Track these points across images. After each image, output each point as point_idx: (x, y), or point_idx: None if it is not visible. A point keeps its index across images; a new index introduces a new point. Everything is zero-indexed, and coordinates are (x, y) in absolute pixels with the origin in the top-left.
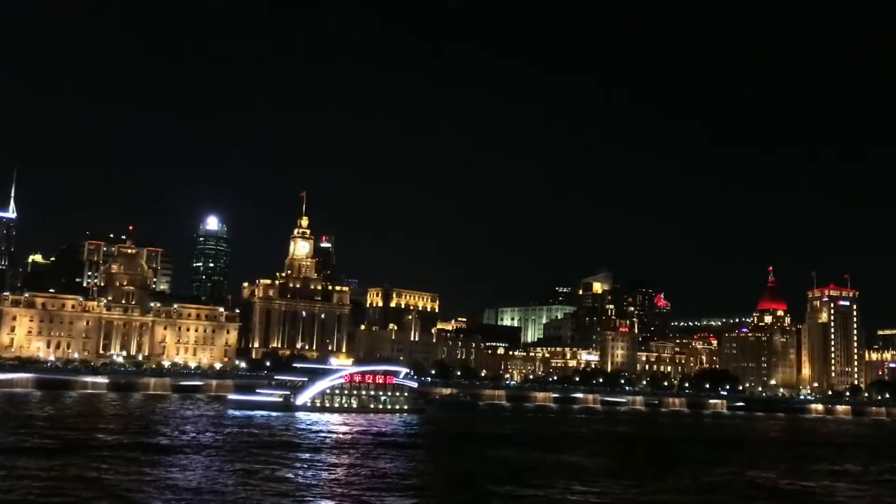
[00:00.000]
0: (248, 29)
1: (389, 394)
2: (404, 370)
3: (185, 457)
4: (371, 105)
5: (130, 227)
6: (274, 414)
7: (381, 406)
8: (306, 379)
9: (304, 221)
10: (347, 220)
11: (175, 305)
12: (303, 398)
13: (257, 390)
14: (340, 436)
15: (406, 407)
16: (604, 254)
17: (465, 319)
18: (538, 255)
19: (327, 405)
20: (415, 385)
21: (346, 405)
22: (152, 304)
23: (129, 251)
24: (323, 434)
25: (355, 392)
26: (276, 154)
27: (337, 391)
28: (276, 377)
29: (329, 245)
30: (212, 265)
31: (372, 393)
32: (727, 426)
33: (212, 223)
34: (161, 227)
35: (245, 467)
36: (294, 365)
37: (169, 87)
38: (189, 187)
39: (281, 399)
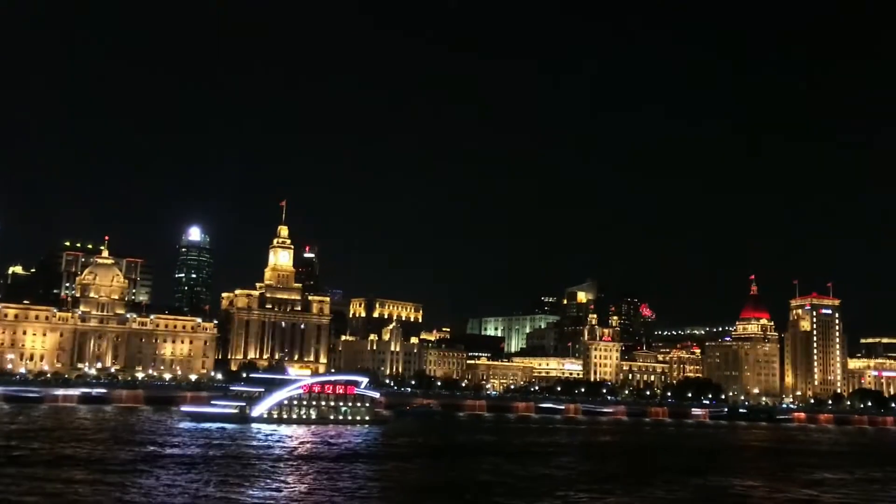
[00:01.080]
0: (234, 37)
1: (350, 405)
2: (365, 380)
3: (122, 472)
4: (358, 115)
5: (106, 238)
6: (228, 426)
7: (341, 417)
8: (262, 390)
9: (284, 231)
10: (333, 230)
11: (151, 317)
12: (259, 409)
13: (212, 402)
14: (295, 448)
15: (367, 418)
16: (591, 264)
17: (448, 329)
18: (526, 265)
19: (285, 417)
20: (377, 395)
21: (304, 416)
22: (128, 316)
23: (105, 261)
24: (276, 446)
25: (314, 403)
26: (262, 164)
27: (295, 402)
28: (231, 388)
29: (313, 255)
30: (194, 276)
31: (332, 404)
32: (705, 435)
33: (194, 234)
34: (145, 238)
35: (186, 483)
36: (251, 375)
37: (154, 97)
38: (173, 198)
39: (236, 410)
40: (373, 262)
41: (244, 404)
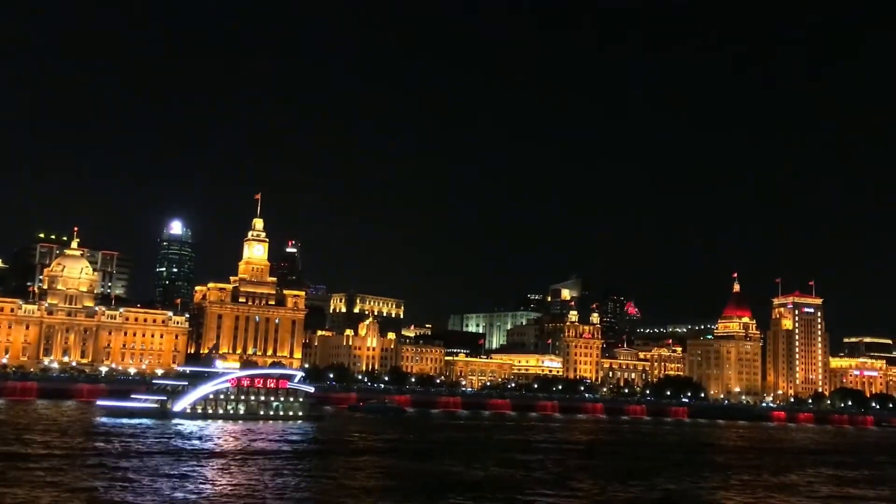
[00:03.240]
0: (217, 29)
1: (282, 399)
2: (299, 374)
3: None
4: (342, 110)
5: (76, 229)
6: (147, 422)
7: (272, 413)
8: (186, 383)
9: (259, 224)
10: (319, 226)
11: (121, 310)
12: (181, 404)
13: (132, 395)
14: (216, 445)
15: (301, 414)
16: (579, 262)
17: (430, 326)
18: (514, 263)
19: (210, 412)
20: (311, 389)
21: (231, 412)
22: (97, 309)
23: (73, 253)
24: (195, 443)
25: (243, 397)
26: (246, 159)
27: (222, 397)
28: (153, 381)
29: (295, 250)
30: (175, 270)
31: (262, 398)
32: (680, 434)
33: (176, 228)
34: (128, 231)
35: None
36: (176, 368)
37: (135, 90)
38: (156, 192)
39: (156, 405)
40: (359, 259)
41: (165, 399)
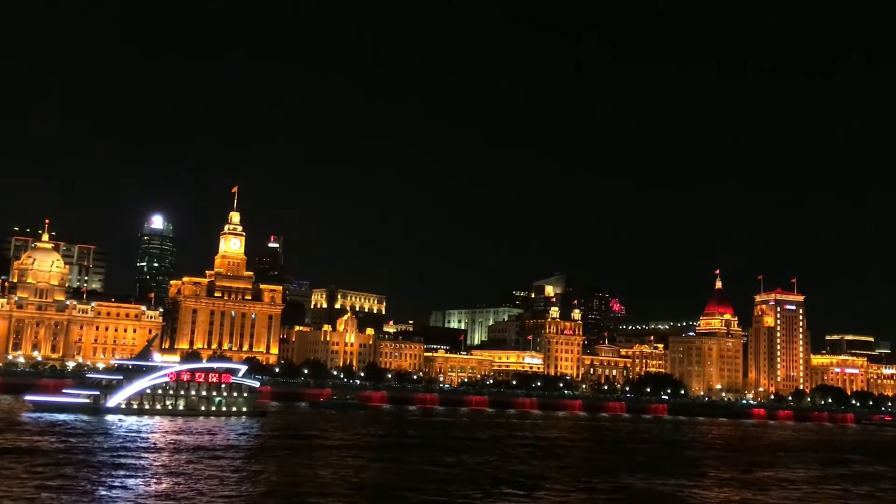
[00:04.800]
0: (199, 25)
1: (225, 394)
2: (243, 368)
3: None
4: (326, 106)
5: (47, 221)
6: (79, 417)
7: (213, 408)
8: (121, 378)
9: (236, 217)
10: (301, 221)
11: (93, 304)
12: (116, 399)
13: (64, 390)
14: (151, 441)
15: (245, 409)
16: (565, 259)
17: (412, 322)
18: (500, 261)
19: (147, 407)
20: (256, 384)
21: (170, 407)
22: (68, 302)
23: (44, 246)
24: (127, 439)
25: (183, 392)
26: (229, 154)
27: (160, 391)
28: (87, 375)
29: (277, 245)
30: (156, 265)
31: (203, 393)
32: (658, 431)
33: (157, 222)
34: (109, 225)
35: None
36: (111, 362)
37: (118, 83)
38: (138, 186)
39: (89, 400)
40: (343, 255)
41: (98, 393)
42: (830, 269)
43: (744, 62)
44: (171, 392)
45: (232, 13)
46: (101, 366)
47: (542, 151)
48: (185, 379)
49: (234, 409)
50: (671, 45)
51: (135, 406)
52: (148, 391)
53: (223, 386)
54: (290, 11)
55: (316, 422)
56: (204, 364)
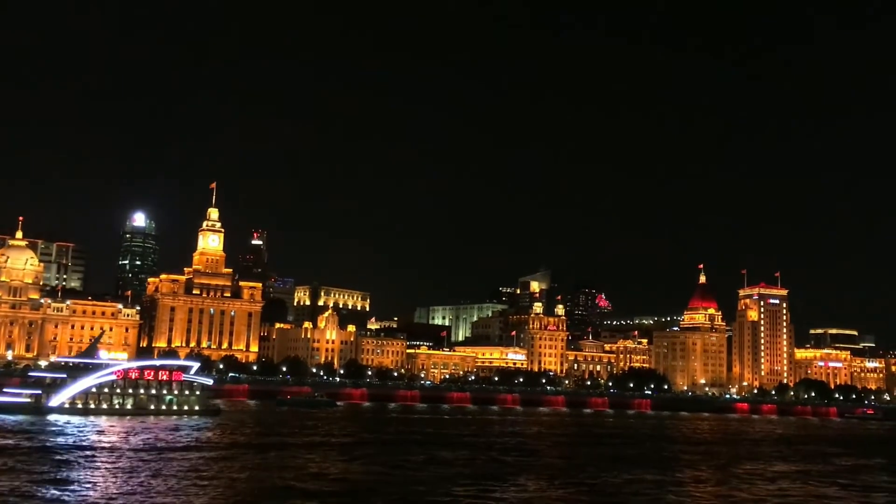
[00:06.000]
0: (183, 21)
1: (176, 392)
2: (195, 365)
3: None
4: (311, 105)
5: (20, 219)
6: (19, 418)
7: (164, 407)
8: (65, 376)
9: (214, 213)
10: (287, 218)
11: (68, 302)
12: (59, 398)
13: (4, 389)
14: (94, 441)
15: (197, 408)
16: (550, 255)
17: (397, 319)
18: (486, 257)
19: (92, 406)
20: (209, 382)
21: (118, 406)
22: (43, 301)
23: (18, 244)
24: (70, 440)
25: (131, 391)
26: (213, 150)
27: (106, 390)
28: (29, 373)
29: (261, 242)
30: (139, 263)
31: (153, 392)
32: (639, 426)
33: (139, 220)
34: (92, 223)
35: None
36: (53, 360)
37: (101, 82)
38: (121, 184)
39: (30, 400)
40: (329, 252)
41: (40, 392)
42: (814, 263)
43: (727, 48)
44: (118, 391)
45: (211, 6)
46: (43, 363)
47: (532, 146)
48: (133, 377)
49: (186, 407)
50: (660, 32)
51: (80, 405)
52: (94, 390)
53: (174, 384)
54: (276, 5)
55: (272, 420)
56: (153, 361)
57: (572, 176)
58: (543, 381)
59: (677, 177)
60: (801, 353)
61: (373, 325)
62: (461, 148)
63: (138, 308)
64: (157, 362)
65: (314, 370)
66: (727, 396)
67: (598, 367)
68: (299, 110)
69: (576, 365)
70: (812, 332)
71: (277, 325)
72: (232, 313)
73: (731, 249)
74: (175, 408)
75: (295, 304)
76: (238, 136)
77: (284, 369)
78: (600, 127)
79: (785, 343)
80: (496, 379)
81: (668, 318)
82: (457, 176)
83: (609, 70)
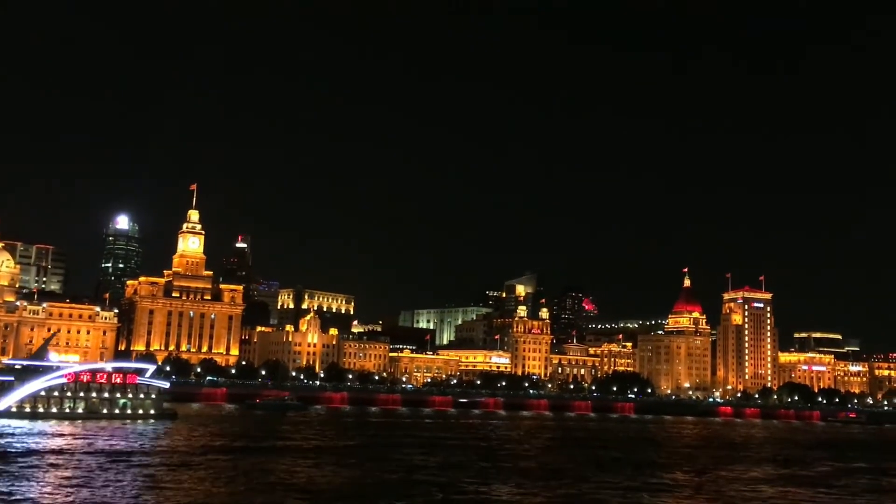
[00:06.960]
0: (165, 25)
1: (130, 396)
2: (151, 367)
3: None
4: (295, 108)
5: None
6: None
7: (117, 411)
8: (12, 379)
9: (195, 215)
10: (271, 221)
11: (44, 304)
12: (5, 402)
13: None
14: (41, 446)
15: (152, 412)
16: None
17: (381, 322)
18: (473, 260)
19: (41, 410)
20: (166, 385)
21: (68, 410)
22: (18, 303)
23: None
24: (13, 445)
25: (82, 394)
26: (197, 153)
27: (56, 393)
28: None
29: (245, 245)
30: (122, 266)
31: (106, 395)
32: (620, 430)
33: (122, 222)
34: (75, 226)
35: None
36: (3, 362)
37: (83, 85)
38: (104, 186)
39: None
40: (314, 256)
41: None
42: (799, 267)
43: (716, 58)
44: (69, 394)
45: (190, 10)
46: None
47: (522, 149)
48: (84, 380)
49: (141, 411)
50: (663, 39)
51: (27, 409)
52: (43, 393)
53: (128, 387)
54: (263, 12)
55: (235, 426)
56: (105, 364)
57: (559, 179)
58: (527, 384)
59: (663, 181)
60: (784, 357)
61: (356, 328)
62: (447, 151)
63: (116, 311)
64: (109, 365)
65: (294, 374)
66: (711, 400)
67: (583, 371)
68: (285, 112)
69: (560, 368)
70: (796, 335)
71: (259, 329)
72: (212, 316)
73: (715, 253)
74: (129, 412)
75: (279, 307)
76: (223, 137)
77: (264, 373)
78: (586, 130)
79: (769, 347)
80: (479, 382)
81: (653, 322)
82: (443, 179)
83: (594, 74)
